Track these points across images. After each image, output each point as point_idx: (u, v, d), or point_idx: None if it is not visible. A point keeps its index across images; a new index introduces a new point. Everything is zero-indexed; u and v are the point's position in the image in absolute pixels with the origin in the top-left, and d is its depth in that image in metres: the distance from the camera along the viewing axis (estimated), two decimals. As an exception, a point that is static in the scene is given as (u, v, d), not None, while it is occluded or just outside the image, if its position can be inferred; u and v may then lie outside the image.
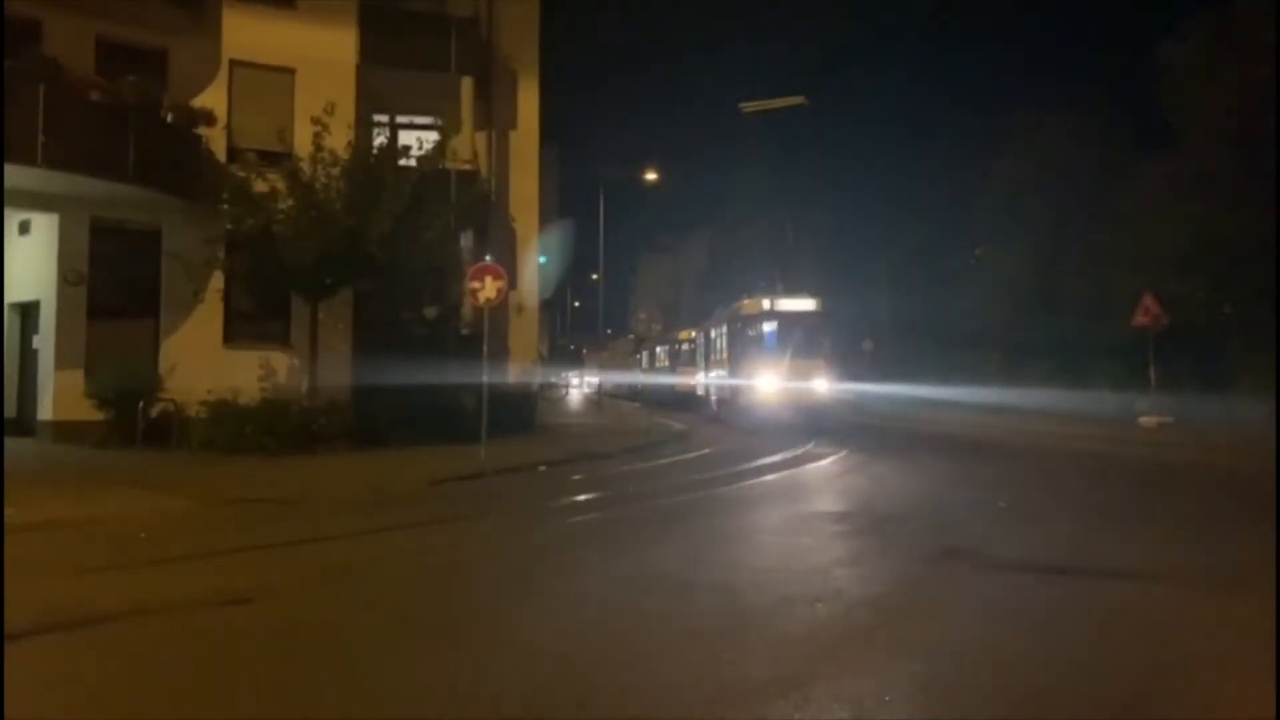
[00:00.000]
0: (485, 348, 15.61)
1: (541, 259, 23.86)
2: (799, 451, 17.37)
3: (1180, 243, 27.02)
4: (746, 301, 25.37)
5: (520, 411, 20.32)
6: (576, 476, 13.46)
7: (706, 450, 18.25)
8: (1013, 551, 7.89)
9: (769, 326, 24.42)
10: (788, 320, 24.16)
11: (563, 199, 43.93)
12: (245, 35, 18.48)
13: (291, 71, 18.95)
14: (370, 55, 19.74)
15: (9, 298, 17.39)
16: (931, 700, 4.27)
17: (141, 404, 15.69)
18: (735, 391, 25.38)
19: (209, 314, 17.74)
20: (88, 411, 15.99)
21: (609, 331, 61.99)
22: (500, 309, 17.36)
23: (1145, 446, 19.36)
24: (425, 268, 17.97)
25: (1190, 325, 25.53)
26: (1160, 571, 7.01)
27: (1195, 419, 23.39)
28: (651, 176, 37.79)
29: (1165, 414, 23.81)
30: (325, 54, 18.99)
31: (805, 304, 24.36)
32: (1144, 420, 24.06)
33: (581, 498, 11.48)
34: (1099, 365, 29.94)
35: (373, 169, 16.81)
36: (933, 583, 6.72)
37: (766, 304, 24.33)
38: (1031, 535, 8.79)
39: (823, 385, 23.32)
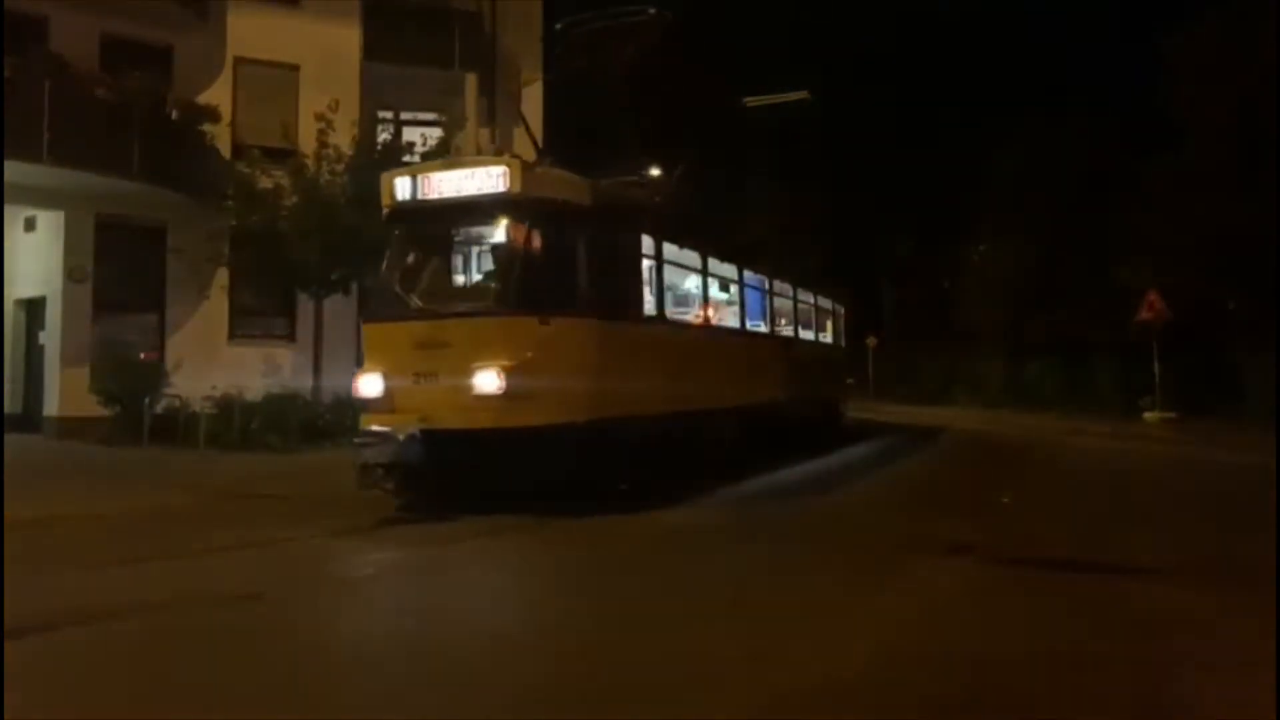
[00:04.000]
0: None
1: None
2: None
3: (1184, 239, 26.96)
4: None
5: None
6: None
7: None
8: (1016, 546, 7.90)
9: (397, 245, 10.46)
10: (437, 224, 10.28)
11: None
12: (250, 32, 18.52)
13: (296, 68, 18.99)
14: (374, 52, 19.77)
15: (15, 294, 17.49)
16: (932, 697, 4.29)
17: (147, 400, 15.74)
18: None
19: (214, 310, 17.81)
20: (93, 407, 16.05)
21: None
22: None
23: (1149, 443, 19.34)
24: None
25: (1194, 321, 25.48)
26: (1161, 567, 7.02)
27: (1199, 415, 23.38)
28: (655, 172, 37.77)
29: (1169, 410, 23.78)
30: (329, 51, 19.02)
31: (478, 180, 9.68)
32: (1148, 416, 24.03)
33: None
34: (1102, 361, 29.89)
35: (377, 165, 16.83)
36: (934, 577, 6.73)
37: (402, 189, 10.00)
38: (1034, 530, 8.80)
39: (492, 384, 8.83)
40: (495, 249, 10.42)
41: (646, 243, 11.34)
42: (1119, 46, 45.35)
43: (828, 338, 20.59)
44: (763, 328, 15.64)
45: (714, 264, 13.43)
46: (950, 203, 41.17)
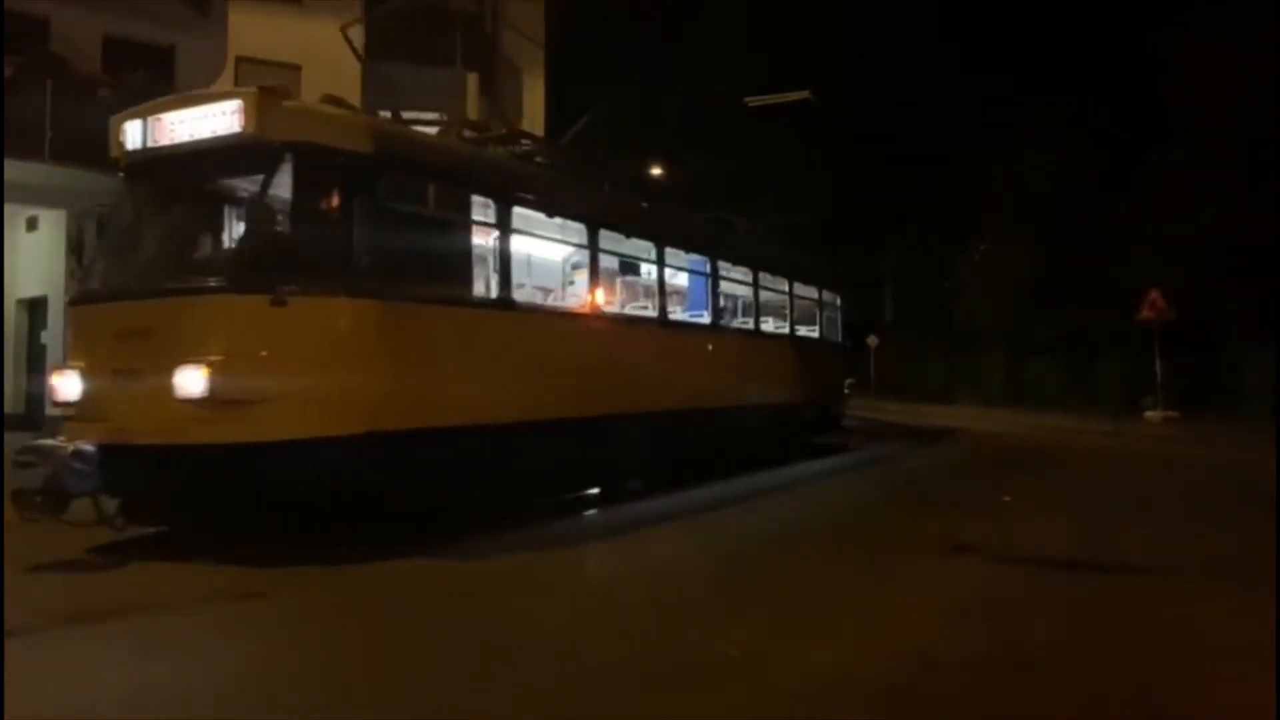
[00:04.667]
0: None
1: None
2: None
3: (1186, 237, 26.95)
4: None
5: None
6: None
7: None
8: (1018, 545, 7.91)
9: (123, 205, 8.63)
10: (169, 177, 7.95)
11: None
12: (251, 32, 18.55)
13: (297, 68, 18.99)
14: (375, 51, 19.76)
15: (17, 294, 17.50)
16: (932, 695, 4.30)
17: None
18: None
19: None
20: (96, 407, 16.03)
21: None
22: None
23: (1150, 441, 19.35)
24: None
25: (1196, 320, 25.48)
26: (1161, 566, 7.03)
27: (1200, 414, 23.39)
28: (657, 172, 37.76)
29: (1170, 409, 23.78)
30: (330, 50, 19.00)
31: (211, 119, 7.33)
32: (1149, 415, 24.04)
33: (586, 493, 11.47)
34: (1104, 360, 29.89)
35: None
36: (934, 577, 6.74)
37: (132, 135, 7.92)
38: (1036, 529, 8.81)
39: (196, 385, 6.54)
40: (230, 208, 8.18)
41: (482, 206, 8.98)
42: (1119, 46, 45.21)
43: (813, 331, 17.45)
44: (705, 318, 13.21)
45: (614, 239, 11.01)
46: (952, 201, 41.15)
